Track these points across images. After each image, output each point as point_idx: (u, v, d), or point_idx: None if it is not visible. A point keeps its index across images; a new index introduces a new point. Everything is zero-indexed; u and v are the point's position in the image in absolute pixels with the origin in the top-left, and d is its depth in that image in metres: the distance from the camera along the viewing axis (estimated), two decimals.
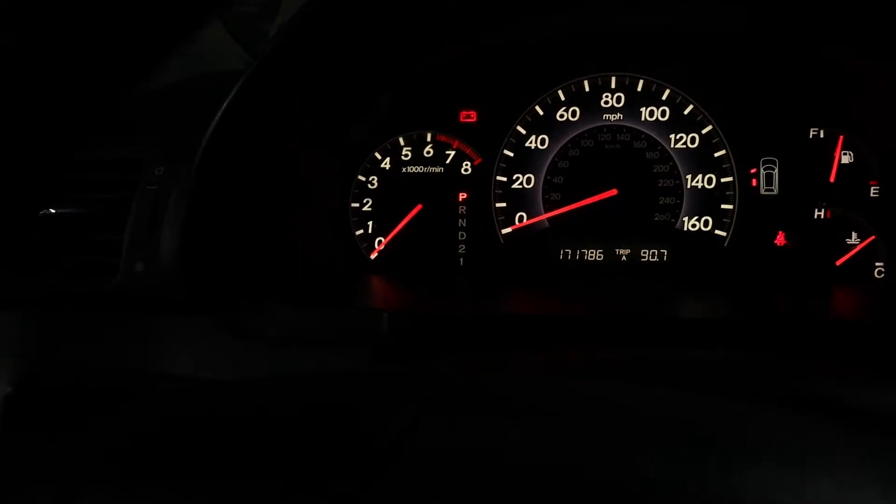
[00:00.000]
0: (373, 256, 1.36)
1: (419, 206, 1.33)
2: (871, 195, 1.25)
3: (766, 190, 1.27)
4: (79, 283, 1.06)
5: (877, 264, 1.25)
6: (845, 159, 1.26)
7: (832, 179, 1.26)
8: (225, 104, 1.02)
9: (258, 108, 1.07)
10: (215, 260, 1.06)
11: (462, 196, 1.33)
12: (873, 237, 1.25)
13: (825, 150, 1.26)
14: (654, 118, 1.29)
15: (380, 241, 1.35)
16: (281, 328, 1.00)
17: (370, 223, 1.35)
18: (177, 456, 0.39)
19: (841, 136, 1.25)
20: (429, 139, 1.34)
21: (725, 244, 1.28)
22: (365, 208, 1.36)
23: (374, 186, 1.35)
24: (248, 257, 1.13)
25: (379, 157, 1.35)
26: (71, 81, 0.55)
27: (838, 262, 1.25)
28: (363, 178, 1.35)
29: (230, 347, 1.01)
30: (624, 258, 1.29)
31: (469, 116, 1.34)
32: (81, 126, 0.65)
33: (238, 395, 0.47)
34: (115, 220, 1.07)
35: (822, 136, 1.26)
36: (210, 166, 1.02)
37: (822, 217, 1.26)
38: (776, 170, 1.27)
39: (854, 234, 1.25)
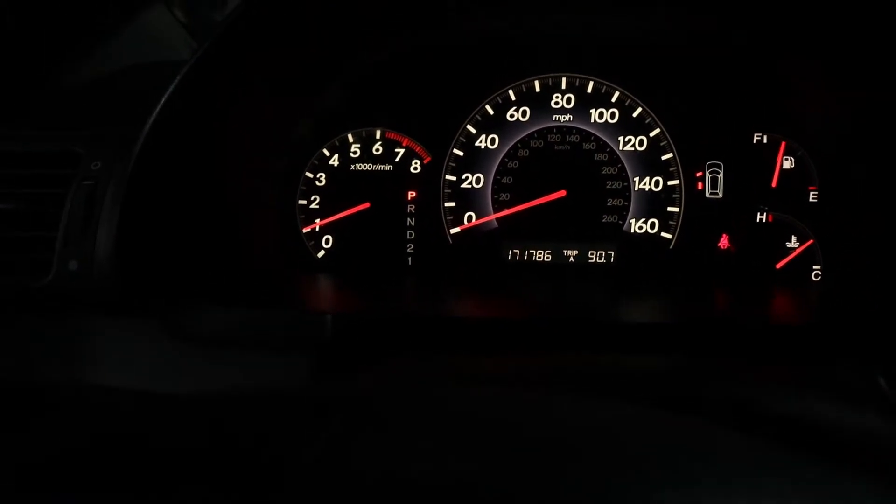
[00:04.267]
0: (320, 255, 1.33)
1: (367, 204, 1.31)
2: (810, 200, 1.28)
3: (711, 193, 1.29)
4: (8, 281, 1.01)
5: (814, 267, 1.28)
6: (787, 165, 1.29)
7: (774, 184, 1.29)
8: (165, 96, 0.98)
9: (200, 101, 1.03)
10: (153, 259, 1.03)
11: (411, 195, 1.32)
12: (811, 241, 1.28)
13: (768, 156, 1.29)
14: (603, 120, 1.30)
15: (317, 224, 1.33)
16: (219, 330, 0.98)
17: (317, 220, 1.33)
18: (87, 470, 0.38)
19: (783, 143, 1.28)
20: (378, 136, 1.32)
21: (671, 246, 1.29)
22: (312, 205, 1.33)
23: (322, 184, 1.33)
24: (189, 256, 1.10)
25: (327, 153, 1.33)
26: None
27: (778, 266, 1.29)
28: (311, 175, 1.33)
29: (166, 350, 0.98)
30: (572, 259, 1.30)
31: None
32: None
33: (153, 411, 0.46)
34: (47, 216, 1.03)
35: (765, 141, 1.29)
36: (149, 161, 0.98)
37: (764, 221, 1.29)
38: (721, 174, 1.29)
39: (794, 238, 1.29)
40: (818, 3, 1.05)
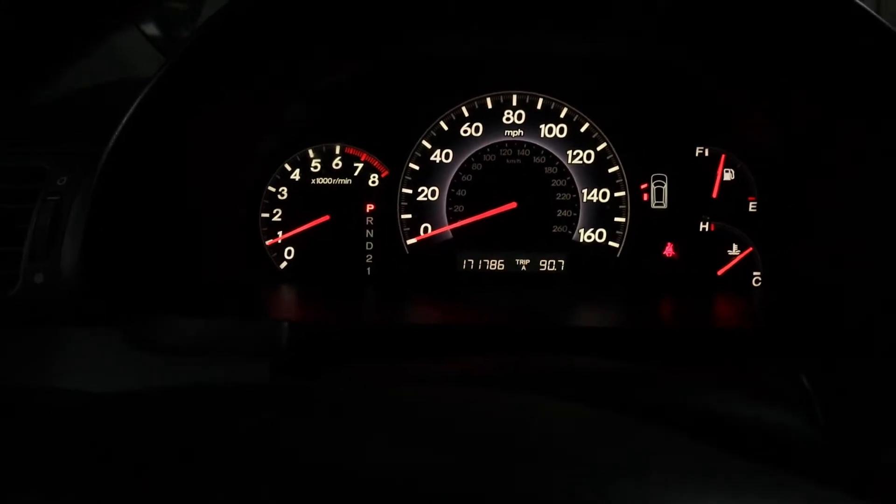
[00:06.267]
0: (282, 266, 1.38)
1: (327, 216, 1.36)
2: (750, 210, 1.34)
3: (656, 204, 1.35)
4: None
5: (754, 274, 1.35)
6: (727, 176, 1.35)
7: (715, 195, 1.35)
8: (128, 112, 1.02)
9: (163, 118, 1.07)
10: (117, 271, 1.07)
11: (369, 207, 1.37)
12: (751, 248, 1.34)
13: (709, 168, 1.35)
14: (552, 135, 1.36)
15: (281, 237, 1.37)
16: (180, 339, 1.02)
17: (280, 233, 1.38)
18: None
19: (723, 155, 1.35)
20: (337, 152, 1.37)
21: (618, 255, 1.35)
22: (275, 218, 1.38)
23: (284, 197, 1.38)
24: (153, 268, 1.14)
25: (289, 168, 1.38)
26: None
27: (720, 272, 1.35)
28: (273, 189, 1.38)
29: (127, 359, 1.02)
30: (524, 268, 1.36)
31: None
32: None
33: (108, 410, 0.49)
34: (13, 230, 1.07)
35: (706, 154, 1.35)
36: (113, 176, 1.02)
37: (707, 230, 1.35)
38: (665, 185, 1.36)
39: (735, 246, 1.35)
40: (743, 37, 1.12)
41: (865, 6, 0.90)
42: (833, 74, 1.08)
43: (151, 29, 1.89)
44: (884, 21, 0.90)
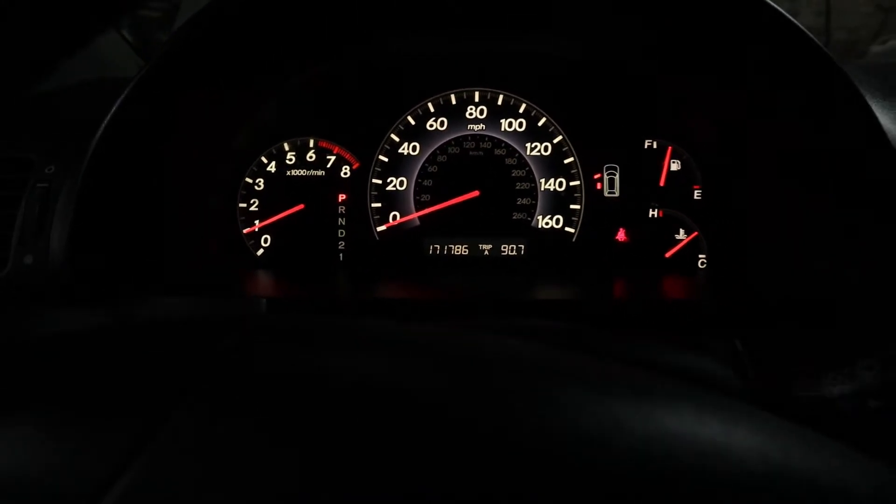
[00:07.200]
0: (259, 253, 1.46)
1: (301, 206, 1.45)
2: (695, 197, 1.45)
3: (608, 192, 1.46)
4: None
5: (700, 256, 1.45)
6: (674, 167, 1.46)
7: (662, 184, 1.45)
8: (113, 109, 1.09)
9: (146, 114, 1.14)
10: (103, 254, 1.14)
11: (341, 197, 1.45)
12: (696, 233, 1.45)
13: (657, 159, 1.45)
14: (512, 129, 1.46)
15: (258, 228, 1.45)
16: (161, 316, 1.09)
17: (257, 222, 1.46)
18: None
19: (669, 147, 1.45)
20: (311, 145, 1.46)
21: (574, 239, 1.45)
22: (252, 208, 1.46)
23: (261, 188, 1.46)
24: (136, 254, 1.21)
25: (265, 161, 1.46)
26: None
27: (668, 255, 1.45)
28: (250, 181, 1.45)
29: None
30: (486, 252, 1.45)
31: None
32: None
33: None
34: (4, 217, 1.14)
35: (654, 146, 1.45)
36: (99, 167, 1.08)
37: (655, 216, 1.46)
38: (617, 175, 1.46)
39: (681, 231, 1.45)
40: (676, 39, 1.23)
41: (777, 7, 1.01)
42: (752, 76, 1.19)
43: (130, 33, 1.96)
44: (793, 19, 1.01)
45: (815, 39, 1.01)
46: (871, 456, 0.39)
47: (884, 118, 1.09)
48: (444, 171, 1.45)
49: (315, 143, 1.46)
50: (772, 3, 1.01)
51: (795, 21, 1.01)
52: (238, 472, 0.32)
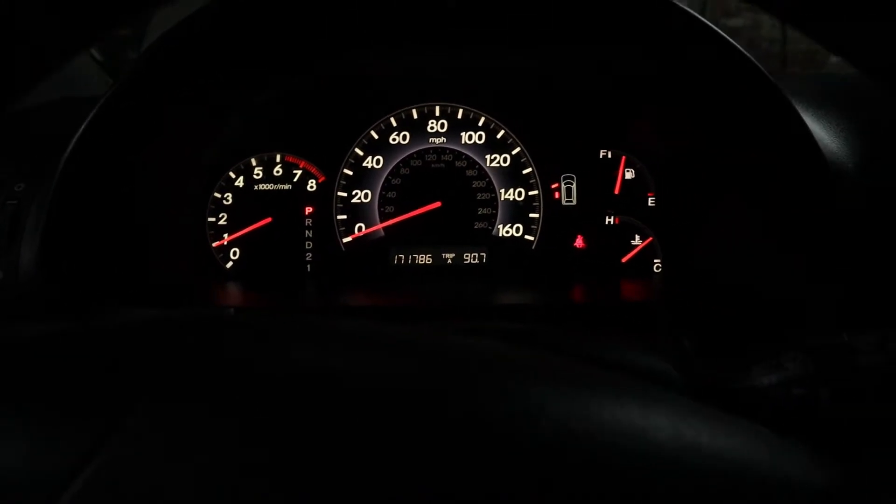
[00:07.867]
0: (228, 266, 1.49)
1: (269, 219, 1.49)
2: (649, 205, 1.51)
3: (566, 201, 1.51)
4: None
5: (655, 261, 1.51)
6: (628, 175, 1.52)
7: (617, 192, 1.51)
8: (82, 127, 1.11)
9: (114, 132, 1.16)
10: (74, 268, 1.16)
11: (308, 210, 1.49)
12: (651, 238, 1.51)
13: (612, 168, 1.51)
14: (472, 141, 1.51)
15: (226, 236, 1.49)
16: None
17: (225, 235, 1.49)
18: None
19: (623, 157, 1.51)
20: (278, 160, 1.50)
21: (534, 247, 1.51)
22: (220, 222, 1.49)
23: (229, 203, 1.49)
24: (106, 269, 1.24)
25: (233, 175, 1.49)
26: None
27: (624, 260, 1.51)
28: (218, 195, 1.49)
29: None
30: (449, 261, 1.50)
31: None
32: None
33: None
34: None
35: (609, 156, 1.51)
36: (69, 184, 1.10)
37: (612, 223, 1.51)
38: (574, 184, 1.51)
39: (637, 237, 1.51)
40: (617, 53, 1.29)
41: (687, 8, 1.06)
42: (690, 91, 1.26)
43: (99, 51, 1.99)
44: (711, 24, 1.07)
45: (746, 52, 1.07)
46: (781, 434, 0.43)
47: (816, 127, 1.16)
48: (408, 184, 1.50)
49: (282, 158, 1.50)
50: (703, 19, 1.07)
51: (727, 37, 1.08)
52: (200, 468, 0.32)
